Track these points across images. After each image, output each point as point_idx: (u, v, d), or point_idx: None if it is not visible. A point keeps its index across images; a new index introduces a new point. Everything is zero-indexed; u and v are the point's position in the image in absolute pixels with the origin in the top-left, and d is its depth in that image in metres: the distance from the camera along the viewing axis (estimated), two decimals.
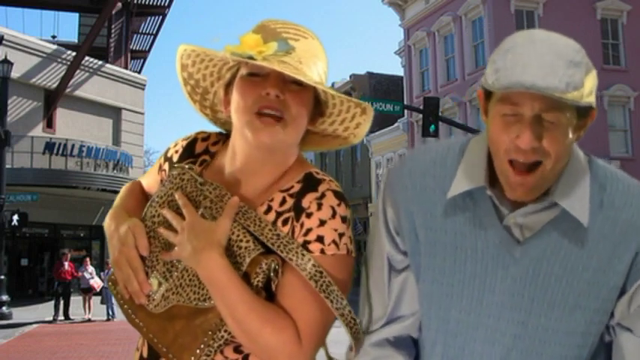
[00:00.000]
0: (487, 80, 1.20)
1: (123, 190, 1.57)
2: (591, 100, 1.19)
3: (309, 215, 1.34)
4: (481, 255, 1.28)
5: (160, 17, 29.64)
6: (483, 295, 1.28)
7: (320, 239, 1.33)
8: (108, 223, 1.43)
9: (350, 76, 33.29)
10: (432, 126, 16.20)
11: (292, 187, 1.39)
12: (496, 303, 1.27)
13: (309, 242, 1.33)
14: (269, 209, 1.38)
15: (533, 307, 1.25)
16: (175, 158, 1.51)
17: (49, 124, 23.33)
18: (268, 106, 1.32)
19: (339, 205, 1.36)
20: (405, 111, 22.20)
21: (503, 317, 1.27)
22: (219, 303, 1.29)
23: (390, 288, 1.38)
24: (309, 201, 1.36)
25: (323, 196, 1.36)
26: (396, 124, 29.14)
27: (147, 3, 28.18)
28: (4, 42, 17.54)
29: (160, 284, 1.34)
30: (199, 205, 1.35)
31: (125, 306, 1.39)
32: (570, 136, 1.20)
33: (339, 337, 1.48)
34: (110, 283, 1.42)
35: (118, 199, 1.53)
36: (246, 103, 1.33)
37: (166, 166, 1.52)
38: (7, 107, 17.62)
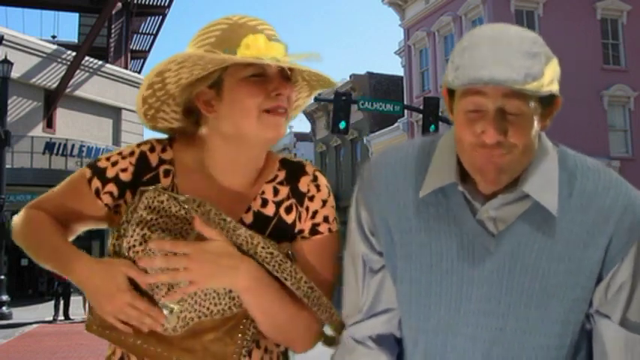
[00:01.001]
0: (448, 79, 1.22)
1: (35, 230, 1.42)
2: (553, 88, 1.20)
3: (311, 198, 1.44)
4: (456, 251, 1.29)
5: (160, 17, 29.64)
6: (462, 290, 1.28)
7: (326, 219, 1.45)
8: (85, 276, 1.33)
9: (350, 76, 33.26)
10: (432, 126, 16.19)
11: (276, 175, 1.45)
12: (475, 297, 1.27)
13: (318, 224, 1.44)
14: (265, 202, 1.42)
15: (511, 299, 1.26)
16: (127, 177, 1.42)
17: (49, 124, 23.33)
18: (280, 105, 1.35)
19: (327, 181, 1.48)
20: (405, 111, 22.19)
21: (482, 311, 1.27)
22: (254, 304, 1.32)
23: (367, 288, 1.38)
24: (306, 184, 1.45)
25: (315, 177, 1.46)
26: (396, 124, 29.13)
27: (147, 3, 28.17)
28: (4, 42, 17.54)
29: (170, 309, 1.31)
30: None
31: (131, 340, 1.33)
32: (536, 125, 1.21)
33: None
34: (99, 329, 1.35)
35: (44, 240, 1.40)
36: (255, 102, 1.34)
37: (112, 188, 1.41)
38: (7, 107, 17.62)
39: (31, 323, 15.21)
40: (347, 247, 1.43)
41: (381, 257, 1.37)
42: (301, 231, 1.44)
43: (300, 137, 43.22)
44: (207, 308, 1.32)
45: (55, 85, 22.84)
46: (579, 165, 1.30)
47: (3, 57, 17.27)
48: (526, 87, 1.14)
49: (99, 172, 1.43)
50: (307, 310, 1.37)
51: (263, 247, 1.33)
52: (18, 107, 21.92)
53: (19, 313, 16.42)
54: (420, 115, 18.89)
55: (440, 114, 16.70)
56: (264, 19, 1.40)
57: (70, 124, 23.86)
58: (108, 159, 1.44)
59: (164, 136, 1.50)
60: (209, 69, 1.33)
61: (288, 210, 1.42)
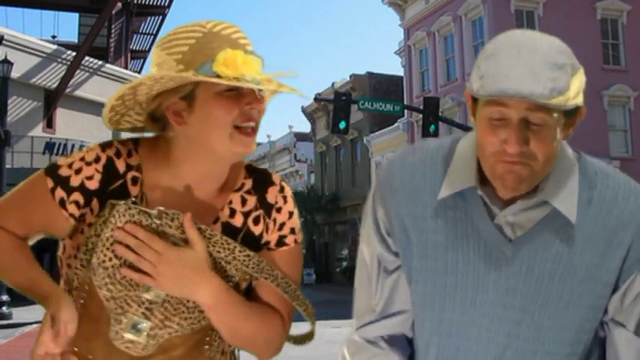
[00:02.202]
0: (472, 86, 1.20)
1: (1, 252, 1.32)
2: (578, 101, 1.19)
3: (279, 210, 1.44)
4: (473, 255, 1.28)
5: (160, 17, 29.64)
6: (477, 294, 1.28)
7: (292, 231, 1.45)
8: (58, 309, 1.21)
9: (350, 76, 33.26)
10: (432, 126, 16.20)
11: (243, 184, 1.43)
12: (490, 302, 1.27)
13: (284, 236, 1.44)
14: (233, 212, 1.40)
15: (526, 305, 1.26)
16: (94, 185, 1.33)
17: (49, 124, 23.33)
18: (251, 119, 1.33)
19: (292, 193, 1.48)
20: (405, 111, 22.20)
21: (497, 316, 1.27)
22: (217, 320, 1.32)
23: (381, 289, 1.38)
24: (274, 196, 1.44)
25: (282, 188, 1.46)
26: (396, 124, 29.13)
27: (147, 3, 28.18)
28: (4, 42, 17.54)
29: (136, 327, 1.28)
30: (166, 236, 1.29)
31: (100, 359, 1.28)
32: (558, 136, 1.20)
33: (338, 337, 1.48)
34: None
35: (15, 266, 1.31)
36: (229, 117, 1.30)
37: (78, 197, 1.32)
38: (7, 107, 17.60)
39: (31, 323, 15.18)
40: (361, 247, 1.42)
41: (397, 258, 1.36)
42: (267, 242, 1.43)
43: (300, 137, 43.21)
44: (178, 324, 1.31)
45: (55, 85, 22.84)
46: (599, 173, 1.29)
47: (3, 57, 17.26)
48: (551, 101, 1.13)
49: (62, 181, 1.33)
50: (271, 320, 1.38)
51: (240, 251, 1.33)
52: (18, 107, 21.92)
53: (19, 313, 16.41)
54: (420, 115, 18.90)
55: (440, 114, 16.70)
56: (238, 25, 1.35)
57: (70, 124, 23.86)
58: (70, 166, 1.34)
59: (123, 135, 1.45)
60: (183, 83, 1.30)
61: (256, 221, 1.41)
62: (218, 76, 1.26)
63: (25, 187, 1.37)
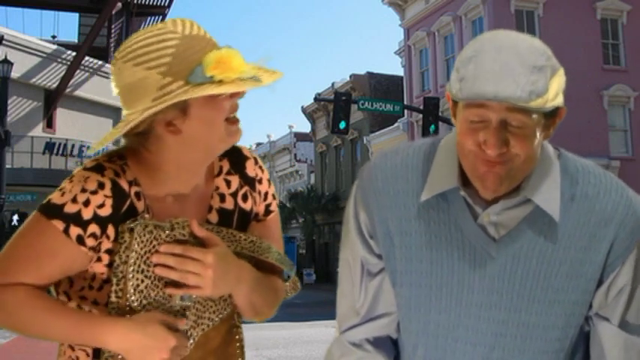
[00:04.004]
0: (452, 89, 1.21)
1: (30, 314, 1.28)
2: (557, 102, 1.19)
3: (260, 181, 1.50)
4: (457, 255, 1.28)
5: (160, 17, 29.61)
6: (462, 295, 1.28)
7: (273, 196, 1.53)
8: (127, 340, 1.25)
9: (350, 76, 33.27)
10: (432, 126, 16.22)
11: (221, 167, 1.46)
12: (475, 302, 1.28)
13: (270, 204, 1.51)
14: (222, 197, 1.44)
15: (512, 305, 1.26)
16: (106, 212, 1.29)
17: (49, 124, 23.34)
18: (235, 107, 1.34)
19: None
20: (405, 111, 22.21)
21: (483, 316, 1.27)
22: (245, 302, 1.39)
23: (365, 291, 1.38)
24: (252, 169, 1.49)
25: (256, 159, 1.50)
26: (396, 124, 29.14)
27: (147, 3, 28.18)
28: (4, 42, 17.57)
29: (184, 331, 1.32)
30: (187, 244, 1.31)
31: None
32: (538, 136, 1.20)
33: (329, 337, 1.49)
34: None
35: (51, 321, 1.28)
36: (224, 114, 1.31)
37: (94, 229, 1.28)
38: (7, 107, 17.64)
39: None
40: (343, 250, 1.42)
41: (380, 260, 1.36)
42: (257, 214, 1.49)
43: (300, 137, 43.22)
44: (209, 318, 1.36)
45: (55, 85, 22.86)
46: (581, 169, 1.30)
47: (3, 57, 17.29)
48: (530, 104, 1.13)
49: (73, 218, 1.27)
50: (278, 287, 1.48)
51: (245, 239, 1.39)
52: (18, 107, 21.94)
53: None
54: (420, 115, 18.90)
55: (440, 114, 16.71)
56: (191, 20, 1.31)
57: (70, 124, 23.88)
58: (74, 200, 1.28)
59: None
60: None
61: (245, 198, 1.46)
62: (220, 81, 1.24)
63: (31, 237, 1.29)
